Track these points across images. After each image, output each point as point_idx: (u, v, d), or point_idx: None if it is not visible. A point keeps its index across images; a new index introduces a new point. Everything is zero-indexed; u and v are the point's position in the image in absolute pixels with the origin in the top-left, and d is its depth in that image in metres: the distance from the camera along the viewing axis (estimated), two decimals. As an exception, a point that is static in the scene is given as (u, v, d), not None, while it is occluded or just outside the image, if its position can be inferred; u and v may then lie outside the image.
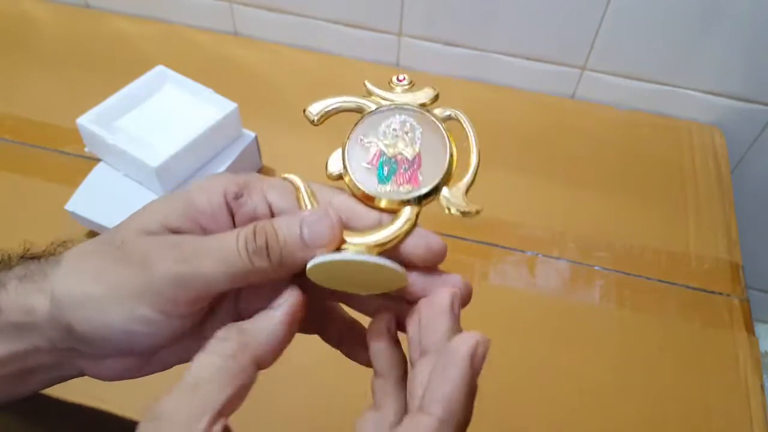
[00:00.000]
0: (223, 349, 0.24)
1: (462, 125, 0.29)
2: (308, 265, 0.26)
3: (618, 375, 0.53)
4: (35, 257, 0.28)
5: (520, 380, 0.52)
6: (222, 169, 0.59)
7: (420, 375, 0.24)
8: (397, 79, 0.31)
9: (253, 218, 0.27)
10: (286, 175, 0.28)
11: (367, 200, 0.28)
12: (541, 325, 0.56)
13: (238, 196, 0.27)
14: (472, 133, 0.29)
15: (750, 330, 0.56)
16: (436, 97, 0.30)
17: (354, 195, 0.28)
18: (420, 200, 0.28)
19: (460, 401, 0.22)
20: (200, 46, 0.82)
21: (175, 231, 0.26)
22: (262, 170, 0.66)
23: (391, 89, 0.31)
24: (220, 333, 0.25)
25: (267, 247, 0.25)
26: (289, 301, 0.26)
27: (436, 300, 0.25)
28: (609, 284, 0.59)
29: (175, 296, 0.25)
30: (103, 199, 0.57)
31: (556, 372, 0.52)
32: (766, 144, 0.75)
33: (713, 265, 0.61)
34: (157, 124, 0.59)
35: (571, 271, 0.60)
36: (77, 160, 0.65)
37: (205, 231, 0.27)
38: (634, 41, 0.71)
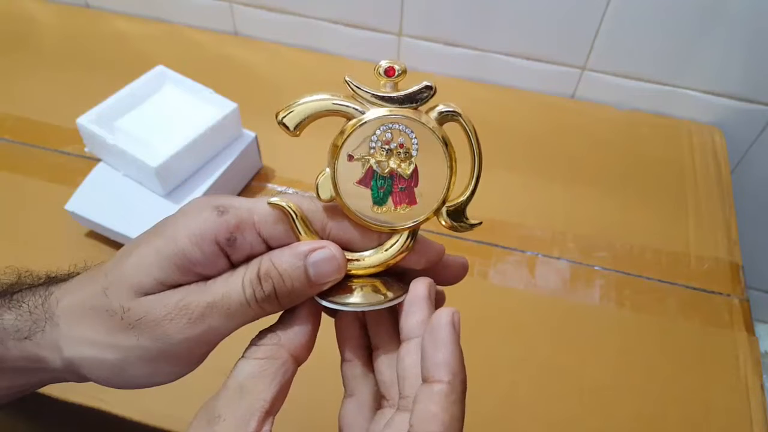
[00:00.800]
0: (261, 352, 0.26)
1: (459, 125, 0.27)
2: (319, 301, 0.27)
3: (618, 375, 0.53)
4: (14, 291, 0.28)
5: (520, 380, 0.52)
6: (222, 169, 0.59)
7: (407, 357, 0.25)
8: (386, 73, 0.26)
9: (250, 256, 0.27)
10: (272, 201, 0.26)
11: (363, 224, 0.27)
12: (541, 325, 0.56)
13: (231, 242, 0.26)
14: (474, 139, 0.27)
15: (750, 330, 0.56)
16: (432, 94, 0.26)
17: (349, 218, 0.27)
18: (419, 224, 0.27)
19: (458, 362, 0.24)
20: (200, 46, 0.82)
21: (173, 285, 0.26)
22: (262, 170, 0.66)
23: (377, 83, 0.26)
24: (255, 339, 0.27)
25: (275, 293, 0.26)
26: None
27: (414, 291, 0.27)
28: (609, 284, 0.59)
29: (190, 353, 0.27)
30: (103, 199, 0.57)
31: (556, 372, 0.52)
32: (766, 144, 0.75)
33: (713, 265, 0.61)
34: (157, 124, 0.59)
35: (571, 271, 0.60)
36: (77, 160, 0.65)
37: (203, 277, 0.27)
38: (634, 41, 0.71)
